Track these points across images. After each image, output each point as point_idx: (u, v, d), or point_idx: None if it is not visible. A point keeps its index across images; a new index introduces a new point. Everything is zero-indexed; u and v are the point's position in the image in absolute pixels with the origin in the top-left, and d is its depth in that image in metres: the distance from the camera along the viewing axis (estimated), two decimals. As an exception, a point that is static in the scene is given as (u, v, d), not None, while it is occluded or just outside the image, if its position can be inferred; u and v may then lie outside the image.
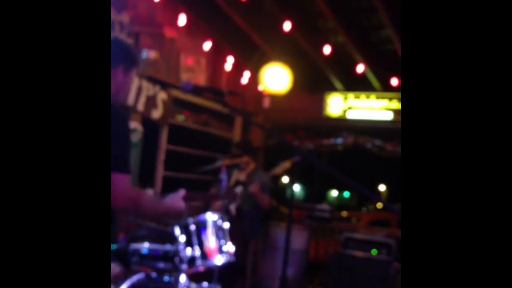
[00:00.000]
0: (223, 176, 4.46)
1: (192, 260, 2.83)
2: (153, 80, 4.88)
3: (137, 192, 2.12)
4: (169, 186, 5.04)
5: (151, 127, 5.13)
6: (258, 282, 5.66)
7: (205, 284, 3.01)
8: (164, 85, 5.01)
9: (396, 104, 6.36)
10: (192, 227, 2.88)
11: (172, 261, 2.83)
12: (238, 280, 5.07)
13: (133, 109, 4.67)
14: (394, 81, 6.01)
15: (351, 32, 5.58)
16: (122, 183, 1.91)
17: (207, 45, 5.50)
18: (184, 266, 2.80)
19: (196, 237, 2.88)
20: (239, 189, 4.82)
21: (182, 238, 2.84)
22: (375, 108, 6.47)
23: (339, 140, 6.82)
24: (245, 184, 4.83)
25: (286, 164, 4.46)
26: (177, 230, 2.86)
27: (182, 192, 2.37)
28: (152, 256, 2.86)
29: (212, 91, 2.21)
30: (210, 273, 3.45)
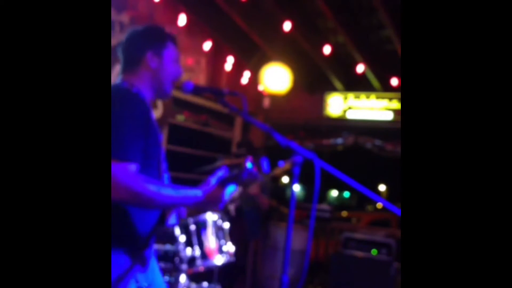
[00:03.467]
0: (223, 176, 4.45)
1: (192, 260, 2.83)
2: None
3: (137, 181, 1.74)
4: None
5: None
6: (258, 282, 5.65)
7: (205, 284, 3.01)
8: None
9: (396, 104, 6.36)
10: (192, 227, 2.88)
11: (172, 261, 2.83)
12: (238, 280, 5.07)
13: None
14: (394, 81, 6.01)
15: (351, 32, 5.57)
16: (118, 173, 1.70)
17: (207, 45, 5.49)
18: (184, 266, 2.80)
19: (196, 237, 2.88)
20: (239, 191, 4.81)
21: (182, 238, 2.84)
22: (375, 108, 6.47)
23: (339, 140, 6.81)
24: (245, 184, 4.83)
25: (286, 166, 4.45)
26: (177, 230, 2.86)
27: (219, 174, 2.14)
28: (152, 256, 2.86)
29: (212, 91, 2.20)
30: (210, 273, 3.45)
